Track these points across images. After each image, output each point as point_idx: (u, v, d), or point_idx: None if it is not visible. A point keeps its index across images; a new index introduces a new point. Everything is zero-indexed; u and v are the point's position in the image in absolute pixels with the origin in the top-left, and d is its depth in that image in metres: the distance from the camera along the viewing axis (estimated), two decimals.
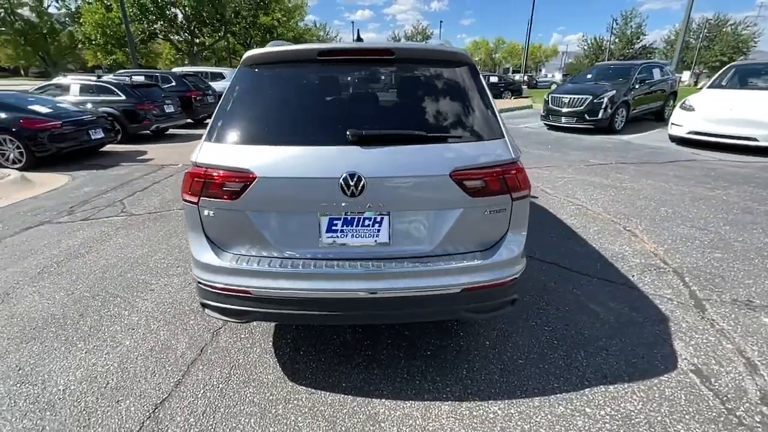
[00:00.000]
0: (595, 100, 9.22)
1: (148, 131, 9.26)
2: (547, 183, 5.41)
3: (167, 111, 9.47)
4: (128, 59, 27.14)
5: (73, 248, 3.55)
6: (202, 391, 1.92)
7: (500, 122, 1.76)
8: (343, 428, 1.72)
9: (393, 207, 1.65)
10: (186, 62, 25.04)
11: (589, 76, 11.05)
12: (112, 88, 8.83)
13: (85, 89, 8.97)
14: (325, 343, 2.25)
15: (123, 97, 8.76)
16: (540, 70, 71.37)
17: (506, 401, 1.85)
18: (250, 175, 1.59)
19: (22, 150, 6.39)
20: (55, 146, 6.56)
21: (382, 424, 1.73)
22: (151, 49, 26.91)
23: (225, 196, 1.63)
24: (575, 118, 9.58)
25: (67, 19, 24.54)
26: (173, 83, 11.30)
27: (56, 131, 6.56)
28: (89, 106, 8.31)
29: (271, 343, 2.26)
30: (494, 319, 2.42)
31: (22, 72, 37.60)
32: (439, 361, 2.10)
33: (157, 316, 2.53)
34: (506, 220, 1.74)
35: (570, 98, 9.67)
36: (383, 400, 1.86)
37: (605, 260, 3.19)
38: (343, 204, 1.60)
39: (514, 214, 1.75)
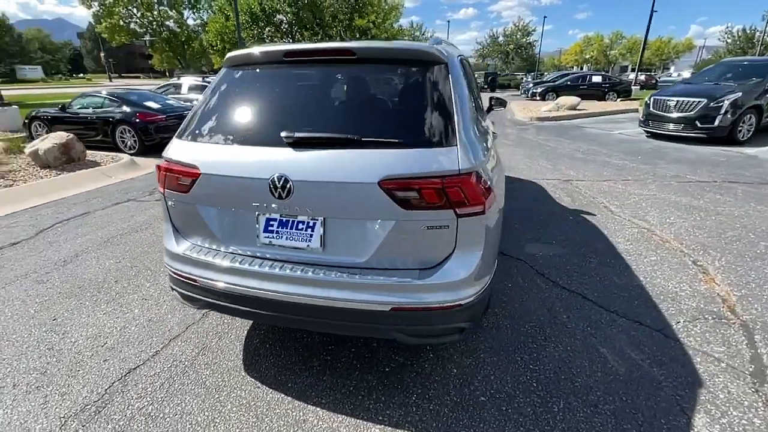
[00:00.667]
0: (711, 104, 7.65)
1: None
2: (614, 199, 4.67)
3: None
4: None
5: (138, 223, 4.17)
6: (169, 365, 2.10)
7: (459, 128, 1.56)
8: (268, 427, 1.72)
9: (324, 213, 1.59)
10: None
11: (710, 75, 9.20)
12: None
13: (192, 88, 10.45)
14: (293, 341, 2.28)
15: None
16: (667, 68, 61.66)
17: None
18: (197, 171, 1.68)
19: (136, 139, 7.72)
20: (159, 136, 7.77)
21: None
22: None
23: (180, 189, 1.75)
24: (683, 125, 8.07)
25: (199, 28, 29.03)
26: None
27: (161, 123, 7.78)
28: (194, 102, 9.67)
29: (245, 332, 2.36)
30: (476, 345, 2.19)
31: (166, 74, 45.65)
32: (393, 380, 1.97)
33: (168, 291, 2.84)
34: (451, 238, 1.54)
35: (678, 101, 8.17)
36: (318, 409, 1.82)
37: (648, 298, 2.64)
38: (273, 205, 1.60)
39: (461, 233, 1.54)
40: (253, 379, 2.00)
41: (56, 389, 1.95)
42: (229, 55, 1.97)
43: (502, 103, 4.12)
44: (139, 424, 1.74)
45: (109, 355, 2.19)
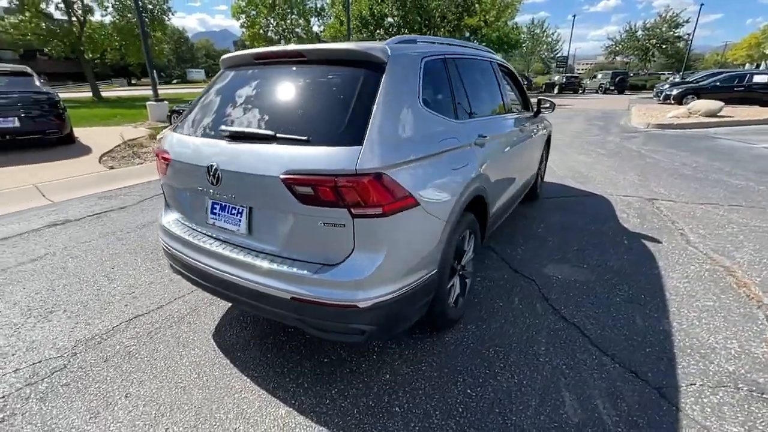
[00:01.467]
0: None
1: None
2: (700, 226, 3.79)
3: None
4: None
5: None
6: (163, 318, 2.51)
7: (372, 129, 1.54)
8: (202, 383, 1.96)
9: (249, 201, 1.73)
10: None
11: None
12: None
13: None
14: (267, 320, 2.48)
15: None
16: None
17: None
18: (168, 157, 1.99)
19: None
20: None
21: (238, 417, 1.87)
22: None
23: (162, 172, 2.10)
24: None
25: (321, 33, 32.25)
26: None
27: None
28: None
29: (228, 308, 2.65)
30: (423, 357, 2.09)
31: None
32: (324, 372, 2.02)
33: None
34: (348, 237, 1.53)
35: None
36: (248, 379, 1.98)
37: (668, 348, 2.14)
38: (211, 191, 1.80)
39: (358, 233, 1.52)
40: (214, 343, 2.27)
41: (85, 320, 2.51)
42: (221, 57, 2.25)
43: (550, 106, 3.72)
44: (120, 359, 2.15)
45: (130, 302, 2.71)
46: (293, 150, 1.57)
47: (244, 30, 34.52)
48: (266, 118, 1.76)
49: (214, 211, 1.88)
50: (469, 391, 1.88)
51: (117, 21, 20.60)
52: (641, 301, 2.60)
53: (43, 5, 19.50)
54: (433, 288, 1.88)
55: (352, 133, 1.54)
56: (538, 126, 3.91)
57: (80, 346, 2.26)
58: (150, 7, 20.85)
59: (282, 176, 1.54)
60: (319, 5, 32.68)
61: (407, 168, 1.62)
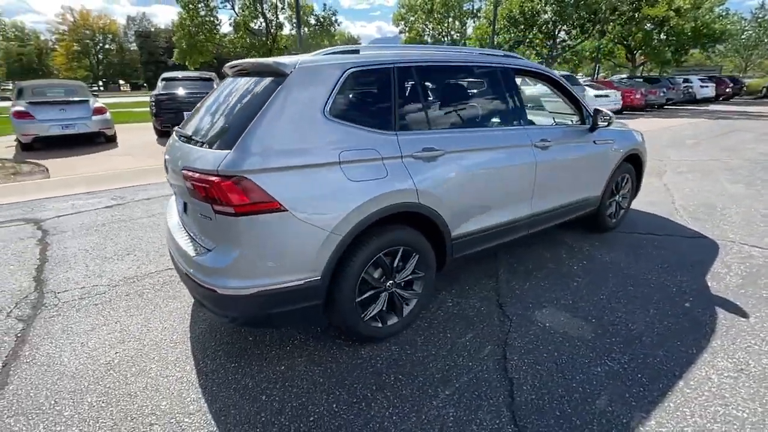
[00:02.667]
0: None
1: None
2: None
3: None
4: None
5: None
6: (157, 280, 3.14)
7: (248, 135, 1.68)
8: (165, 382, 2.45)
9: (182, 195, 2.07)
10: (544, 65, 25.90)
11: None
12: None
13: None
14: None
15: None
16: None
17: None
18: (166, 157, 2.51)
19: None
20: None
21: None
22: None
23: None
24: None
25: (457, 35, 32.10)
26: None
27: None
28: None
29: None
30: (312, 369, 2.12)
31: None
32: (244, 346, 2.26)
33: None
34: (214, 229, 1.72)
35: None
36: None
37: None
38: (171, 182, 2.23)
39: (218, 227, 1.70)
40: (184, 307, 2.77)
41: (142, 263, 3.37)
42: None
43: (608, 119, 3.04)
44: (119, 301, 2.83)
45: (145, 262, 3.44)
46: (199, 151, 1.84)
47: (403, 35, 37.07)
48: (203, 122, 2.09)
49: (181, 204, 2.32)
50: (335, 407, 1.84)
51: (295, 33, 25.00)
52: (633, 377, 1.96)
53: (252, 24, 25.16)
54: (316, 295, 1.90)
55: (230, 138, 1.72)
56: (599, 142, 3.21)
57: (131, 279, 3.08)
58: (321, 20, 24.54)
59: (182, 170, 1.84)
60: (476, 6, 32.44)
61: (278, 174, 1.70)
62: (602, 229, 3.76)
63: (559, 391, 1.90)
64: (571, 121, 3.35)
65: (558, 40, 22.81)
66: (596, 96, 14.45)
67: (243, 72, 2.18)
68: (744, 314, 2.49)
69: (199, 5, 23.63)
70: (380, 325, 2.21)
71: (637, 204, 4.65)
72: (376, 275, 2.13)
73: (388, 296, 2.22)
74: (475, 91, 2.66)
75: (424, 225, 2.22)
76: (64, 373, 2.07)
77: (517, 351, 2.19)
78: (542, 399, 1.86)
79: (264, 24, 24.47)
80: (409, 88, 2.18)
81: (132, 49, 65.34)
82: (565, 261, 3.26)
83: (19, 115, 7.84)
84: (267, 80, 1.88)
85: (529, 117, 3.74)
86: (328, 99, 1.87)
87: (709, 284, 2.85)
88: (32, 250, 3.65)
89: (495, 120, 2.65)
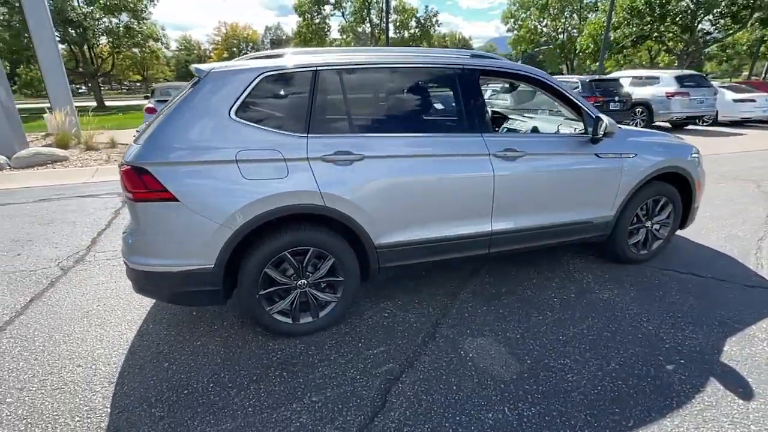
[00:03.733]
0: None
1: None
2: None
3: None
4: (618, 65, 27.35)
5: None
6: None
7: (156, 130, 1.92)
8: (115, 329, 2.91)
9: None
10: (676, 64, 21.43)
11: None
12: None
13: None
14: None
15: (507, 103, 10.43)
16: None
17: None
18: None
19: None
20: None
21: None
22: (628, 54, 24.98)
23: None
24: None
25: (575, 31, 28.56)
26: (578, 88, 11.35)
27: None
28: None
29: None
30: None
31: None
32: (191, 318, 2.56)
33: None
34: (130, 212, 2.00)
35: None
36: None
37: None
38: None
39: (134, 212, 1.96)
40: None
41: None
42: None
43: (605, 130, 2.56)
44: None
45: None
46: (131, 147, 2.14)
47: (511, 33, 35.06)
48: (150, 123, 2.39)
49: None
50: (210, 387, 1.97)
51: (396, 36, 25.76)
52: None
53: (358, 28, 26.77)
54: (212, 282, 2.05)
55: (146, 135, 1.98)
56: (605, 155, 2.69)
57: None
58: (422, 21, 24.77)
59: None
60: None
61: (175, 168, 1.90)
62: (623, 260, 3.13)
63: (426, 427, 1.71)
64: (574, 129, 2.87)
65: (699, 32, 18.73)
66: (735, 101, 11.69)
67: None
68: (745, 395, 1.86)
69: (314, 13, 26.04)
70: (290, 321, 2.27)
71: (710, 235, 3.75)
72: (284, 272, 2.19)
73: (300, 295, 2.26)
74: (417, 95, 2.48)
75: (342, 229, 2.20)
76: (58, 313, 2.63)
77: (416, 375, 2.02)
78: (401, 430, 1.70)
79: (369, 28, 25.84)
80: (330, 91, 2.17)
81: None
82: (549, 289, 2.83)
83: (149, 110, 9.81)
84: (190, 84, 2.10)
85: (534, 124, 3.33)
86: (235, 102, 2.00)
87: (725, 349, 2.18)
88: (106, 218, 4.60)
89: (439, 125, 2.45)
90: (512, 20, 32.78)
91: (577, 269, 3.13)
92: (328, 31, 26.69)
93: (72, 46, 23.46)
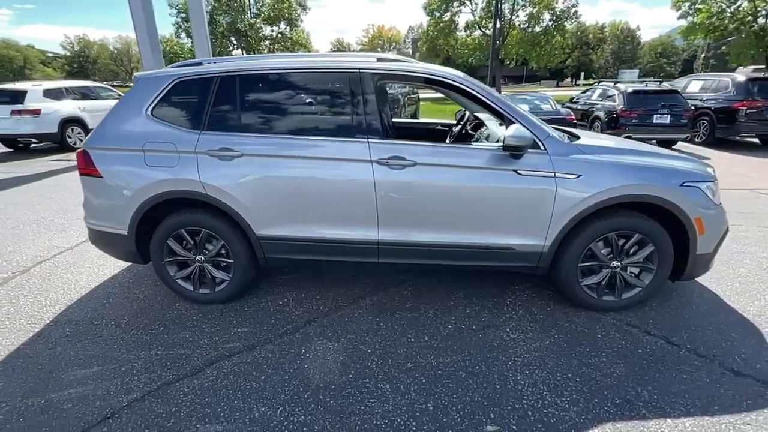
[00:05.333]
0: None
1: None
2: None
3: (657, 121, 8.28)
4: None
5: None
6: None
7: (101, 122, 2.53)
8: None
9: None
10: None
11: None
12: (612, 92, 9.03)
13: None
14: None
15: (614, 102, 8.81)
16: None
17: None
18: None
19: None
20: None
21: None
22: None
23: None
24: None
25: None
26: (730, 89, 8.79)
27: None
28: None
29: None
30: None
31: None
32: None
33: None
34: (82, 184, 2.67)
35: None
36: None
37: None
38: None
39: (82, 183, 2.63)
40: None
41: None
42: None
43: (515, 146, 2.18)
44: None
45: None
46: None
47: (685, 20, 28.47)
48: None
49: None
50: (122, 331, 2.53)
51: (524, 31, 23.72)
52: None
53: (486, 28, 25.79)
54: (127, 243, 2.57)
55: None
56: (528, 172, 2.28)
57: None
58: (558, 14, 22.27)
59: None
60: None
61: (102, 151, 2.46)
62: (578, 304, 2.58)
63: (207, 401, 1.90)
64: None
65: None
66: None
67: None
68: None
69: (442, 11, 26.09)
70: (191, 288, 2.68)
71: (721, 284, 2.79)
72: (185, 247, 2.61)
73: (199, 269, 2.65)
74: (307, 98, 2.50)
75: (226, 216, 2.49)
76: (61, 272, 3.62)
77: (246, 358, 2.19)
78: (187, 395, 1.93)
79: (497, 25, 24.54)
80: (226, 94, 2.43)
81: (405, 52, 78.31)
82: (454, 315, 2.56)
83: None
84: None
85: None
86: (152, 102, 2.46)
87: None
88: None
89: (325, 129, 2.44)
90: (686, 3, 26.50)
91: (516, 302, 2.71)
92: (455, 29, 26.40)
93: (242, 51, 29.24)
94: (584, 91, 10.92)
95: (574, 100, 10.94)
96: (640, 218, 2.36)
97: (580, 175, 2.30)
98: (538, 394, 1.91)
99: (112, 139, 2.50)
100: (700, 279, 2.94)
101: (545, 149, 2.32)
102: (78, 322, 2.54)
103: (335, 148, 2.38)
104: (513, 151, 2.22)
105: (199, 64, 2.59)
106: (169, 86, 2.48)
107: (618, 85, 9.39)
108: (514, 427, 1.73)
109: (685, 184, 2.31)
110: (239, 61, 2.56)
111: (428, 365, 2.12)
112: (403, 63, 2.46)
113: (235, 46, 27.63)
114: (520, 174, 2.30)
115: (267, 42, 28.68)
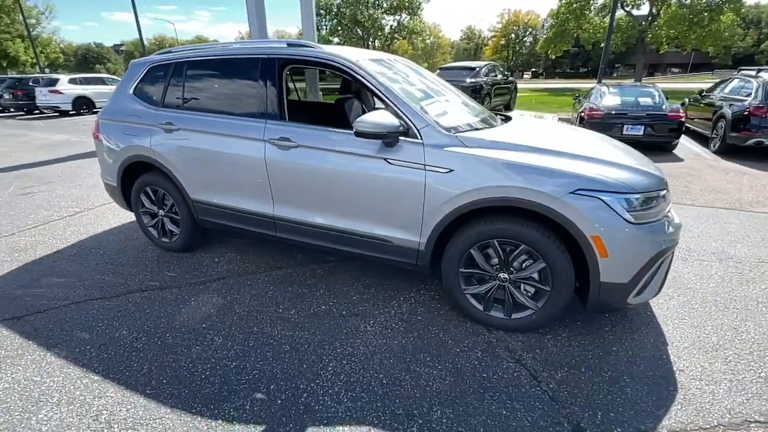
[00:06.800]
0: None
1: (750, 144, 6.66)
2: None
3: None
4: None
5: None
6: None
7: (109, 99, 3.28)
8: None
9: None
10: None
11: None
12: (750, 84, 6.86)
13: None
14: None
15: (747, 97, 6.72)
16: None
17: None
18: None
19: None
20: None
21: None
22: None
23: None
24: None
25: None
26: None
27: (594, 120, 7.47)
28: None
29: None
30: None
31: None
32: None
33: None
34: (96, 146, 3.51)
35: None
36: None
37: None
38: None
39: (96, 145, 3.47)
40: None
41: None
42: None
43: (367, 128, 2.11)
44: None
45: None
46: None
47: None
48: None
49: None
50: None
51: (682, 7, 19.08)
52: None
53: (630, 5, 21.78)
54: (115, 193, 3.33)
55: None
56: (398, 162, 2.15)
57: None
58: None
59: None
60: None
61: (104, 121, 3.22)
62: (465, 314, 2.35)
63: (87, 325, 2.44)
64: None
65: None
66: None
67: None
68: None
69: None
70: (157, 236, 3.32)
71: (678, 330, 2.16)
72: (150, 200, 3.24)
73: (161, 221, 3.26)
74: (228, 81, 2.73)
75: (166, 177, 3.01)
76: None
77: (148, 295, 2.68)
78: (87, 313, 2.50)
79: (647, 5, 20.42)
80: (178, 78, 2.89)
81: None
82: (333, 299, 2.60)
83: None
84: None
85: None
86: (133, 83, 3.10)
87: None
88: None
89: (237, 109, 2.65)
90: None
91: (409, 300, 2.58)
92: (588, 10, 22.73)
93: (363, 42, 31.05)
94: (717, 84, 8.55)
95: (704, 94, 8.68)
96: (524, 227, 2.00)
97: (451, 170, 2.07)
98: (330, 382, 1.90)
99: (110, 113, 3.25)
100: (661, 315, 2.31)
101: (420, 139, 2.15)
102: (85, 248, 3.42)
103: (240, 126, 2.63)
104: (366, 138, 2.14)
105: (170, 52, 3.13)
106: (145, 71, 3.09)
107: (763, 73, 7.12)
108: (279, 402, 1.79)
109: (579, 191, 1.87)
110: (190, 50, 3.00)
111: (268, 333, 2.26)
112: (308, 49, 2.53)
113: (359, 36, 29.60)
114: (390, 163, 2.20)
115: (386, 30, 29.87)
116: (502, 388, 1.86)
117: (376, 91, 2.30)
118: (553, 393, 1.83)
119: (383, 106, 2.33)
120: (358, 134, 2.12)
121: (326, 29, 29.91)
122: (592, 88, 9.05)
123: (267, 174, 2.56)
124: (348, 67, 2.37)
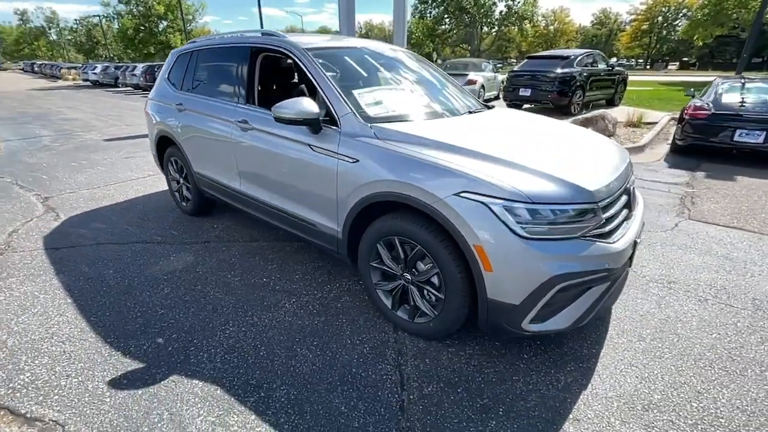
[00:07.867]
0: None
1: None
2: None
3: None
4: None
5: None
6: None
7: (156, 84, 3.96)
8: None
9: None
10: None
11: None
12: None
13: None
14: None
15: None
16: None
17: None
18: None
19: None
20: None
21: None
22: None
23: None
24: None
25: None
26: None
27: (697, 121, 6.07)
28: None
29: None
30: None
31: None
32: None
33: None
34: None
35: None
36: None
37: None
38: None
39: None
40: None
41: None
42: None
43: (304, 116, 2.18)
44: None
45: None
46: None
47: None
48: None
49: None
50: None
51: None
52: None
53: None
54: (156, 161, 4.01)
55: None
56: (320, 149, 2.18)
57: None
58: None
59: None
60: None
61: (150, 101, 3.88)
62: (377, 308, 2.30)
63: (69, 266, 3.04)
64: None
65: None
66: None
67: None
68: None
69: None
70: (180, 201, 3.93)
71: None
72: (173, 169, 3.83)
73: (180, 188, 3.84)
74: (222, 67, 3.00)
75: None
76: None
77: (132, 249, 3.21)
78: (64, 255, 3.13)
79: None
80: (194, 64, 3.33)
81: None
82: (276, 274, 2.77)
83: None
84: None
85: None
86: (168, 69, 3.67)
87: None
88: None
89: (224, 93, 2.91)
90: None
91: (344, 286, 2.62)
92: None
93: (468, 28, 29.87)
94: None
95: None
96: (419, 227, 1.87)
97: (357, 160, 2.03)
98: (217, 343, 2.09)
99: (153, 94, 3.90)
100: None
101: (339, 127, 2.15)
102: (133, 204, 4.22)
103: (221, 108, 2.94)
104: (282, 123, 2.20)
105: (193, 42, 3.60)
106: (175, 58, 3.62)
107: None
108: (170, 349, 2.05)
109: (464, 194, 1.66)
110: (205, 40, 3.41)
111: (204, 293, 2.55)
112: (269, 38, 2.68)
113: (465, 24, 28.60)
114: (312, 149, 2.25)
115: (495, 16, 28.19)
116: (360, 386, 1.82)
117: (311, 78, 2.35)
118: (406, 404, 1.72)
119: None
120: (276, 119, 2.22)
121: (430, 17, 29.62)
122: (710, 82, 7.32)
123: (234, 153, 2.83)
124: (294, 54, 2.47)
